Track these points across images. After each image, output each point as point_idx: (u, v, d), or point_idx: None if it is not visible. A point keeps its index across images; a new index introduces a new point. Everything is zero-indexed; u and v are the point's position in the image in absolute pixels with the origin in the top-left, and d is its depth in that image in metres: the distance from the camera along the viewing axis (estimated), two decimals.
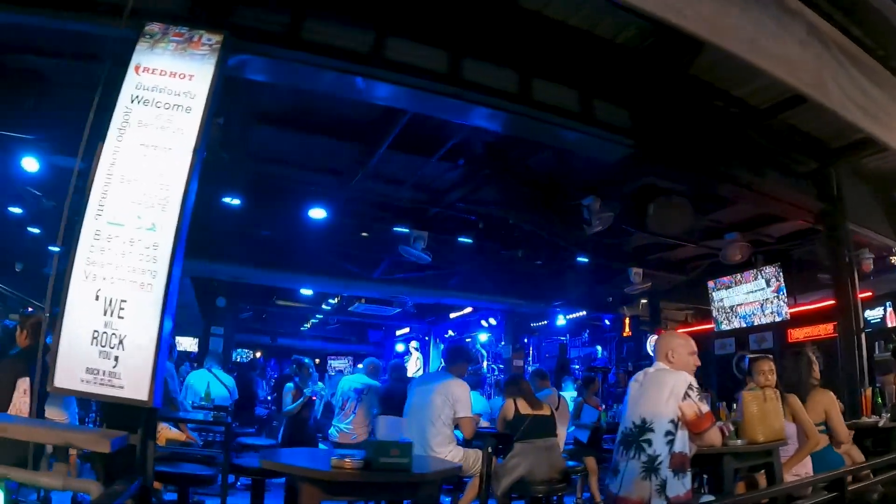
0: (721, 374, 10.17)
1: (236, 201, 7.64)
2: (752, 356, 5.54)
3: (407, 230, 8.48)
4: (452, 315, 16.36)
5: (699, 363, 3.85)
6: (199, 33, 3.78)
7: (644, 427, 3.65)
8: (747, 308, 9.46)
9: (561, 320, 13.36)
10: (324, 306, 15.16)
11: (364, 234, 9.04)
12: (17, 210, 8.52)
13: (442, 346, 17.30)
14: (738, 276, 9.53)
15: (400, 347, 19.15)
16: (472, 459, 5.50)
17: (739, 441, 4.52)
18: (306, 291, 14.15)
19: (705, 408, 3.69)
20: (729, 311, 9.76)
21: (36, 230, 9.02)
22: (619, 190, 6.95)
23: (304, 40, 4.38)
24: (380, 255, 10.43)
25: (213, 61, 3.76)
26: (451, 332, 17.50)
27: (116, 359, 3.22)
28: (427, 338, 18.38)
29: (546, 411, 5.71)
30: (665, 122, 5.65)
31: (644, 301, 11.49)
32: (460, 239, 9.18)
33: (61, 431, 3.20)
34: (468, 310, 15.33)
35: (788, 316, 9.07)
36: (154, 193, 3.45)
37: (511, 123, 5.43)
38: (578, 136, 5.43)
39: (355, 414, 7.41)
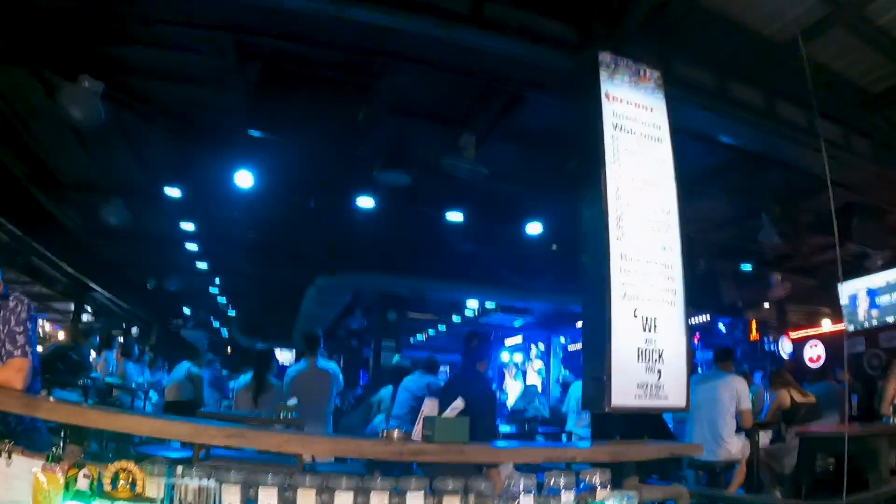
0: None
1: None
2: None
3: None
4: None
5: None
6: (642, 67, 4.06)
7: None
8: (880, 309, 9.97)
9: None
10: (454, 317, 15.35)
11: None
12: None
13: (561, 353, 17.73)
14: (872, 276, 10.01)
15: (517, 357, 19.12)
16: (741, 446, 5.93)
17: None
18: (472, 303, 14.36)
19: None
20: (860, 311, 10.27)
21: None
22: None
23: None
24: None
25: (661, 95, 4.04)
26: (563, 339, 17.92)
27: (659, 372, 3.47)
28: (536, 345, 18.66)
29: (812, 399, 6.17)
30: None
31: (766, 305, 12.01)
32: None
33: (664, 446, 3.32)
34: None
35: None
36: (656, 217, 3.72)
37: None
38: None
39: None
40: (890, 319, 9.81)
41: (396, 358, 10.46)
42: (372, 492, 2.25)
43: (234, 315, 18.06)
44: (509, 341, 19.86)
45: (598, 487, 2.68)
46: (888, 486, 4.70)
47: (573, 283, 11.71)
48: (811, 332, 12.24)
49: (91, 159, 8.00)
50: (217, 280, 14.27)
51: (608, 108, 3.79)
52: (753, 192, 7.64)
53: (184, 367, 7.93)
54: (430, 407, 3.79)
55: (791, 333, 12.27)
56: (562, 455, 2.71)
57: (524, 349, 19.01)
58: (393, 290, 12.07)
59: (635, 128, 3.85)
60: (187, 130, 6.91)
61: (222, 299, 16.06)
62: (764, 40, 5.17)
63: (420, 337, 19.47)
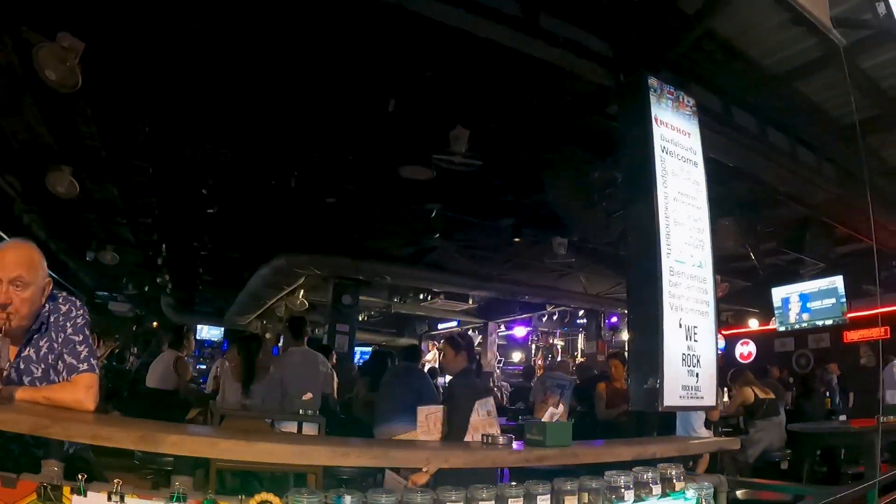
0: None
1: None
2: None
3: None
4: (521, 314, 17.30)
5: None
6: (681, 94, 4.42)
7: None
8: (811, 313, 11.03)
9: None
10: (395, 300, 15.46)
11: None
12: None
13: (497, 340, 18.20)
14: (805, 282, 11.04)
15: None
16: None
17: None
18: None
19: None
20: (791, 313, 11.30)
21: None
22: None
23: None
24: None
25: (696, 122, 4.42)
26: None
27: (697, 375, 3.87)
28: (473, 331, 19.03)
29: (772, 395, 6.85)
30: None
31: None
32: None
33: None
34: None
35: (846, 320, 10.72)
36: (693, 235, 4.10)
37: None
38: None
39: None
40: (819, 323, 10.83)
41: (375, 347, 10.56)
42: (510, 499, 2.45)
43: (168, 291, 17.50)
44: (443, 326, 20.31)
45: (674, 479, 3.03)
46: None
47: (527, 273, 12.27)
48: (741, 330, 13.26)
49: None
50: (162, 253, 13.81)
51: (657, 132, 4.12)
52: (720, 199, 8.29)
53: (172, 356, 7.68)
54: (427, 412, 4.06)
55: (722, 331, 13.27)
56: (644, 452, 3.00)
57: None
58: (353, 275, 12.11)
59: (677, 151, 4.21)
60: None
61: (163, 273, 15.52)
62: (761, 70, 5.66)
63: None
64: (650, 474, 2.94)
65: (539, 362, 17.60)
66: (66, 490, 1.81)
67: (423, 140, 6.24)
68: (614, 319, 16.27)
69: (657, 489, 2.93)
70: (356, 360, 14.07)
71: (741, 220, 7.87)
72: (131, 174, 8.69)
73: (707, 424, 6.47)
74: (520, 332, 20.14)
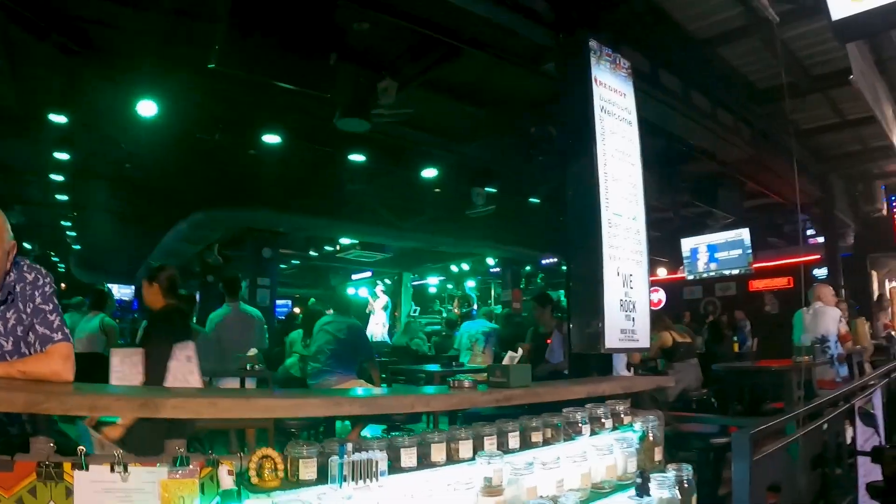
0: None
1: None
2: None
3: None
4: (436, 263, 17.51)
5: None
6: (618, 56, 4.64)
7: (825, 339, 5.80)
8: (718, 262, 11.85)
9: None
10: (312, 252, 15.30)
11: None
12: None
13: (411, 290, 18.32)
14: (713, 234, 11.81)
15: (363, 292, 19.29)
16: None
17: None
18: (346, 241, 14.55)
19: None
20: (700, 263, 12.10)
21: None
22: None
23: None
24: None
25: (631, 83, 4.68)
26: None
27: (633, 319, 4.21)
28: (387, 281, 19.09)
29: (689, 339, 7.42)
30: None
31: None
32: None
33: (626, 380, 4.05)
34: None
35: (752, 270, 11.60)
36: (629, 190, 4.39)
37: None
38: None
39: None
40: (726, 272, 11.66)
41: (312, 300, 10.59)
42: (485, 437, 2.66)
43: (77, 249, 16.68)
44: (357, 277, 20.36)
45: (622, 414, 3.35)
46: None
47: (446, 224, 12.47)
48: (651, 278, 14.03)
49: None
50: (71, 213, 13.14)
51: (597, 92, 4.34)
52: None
53: (97, 318, 7.40)
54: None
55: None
56: (596, 389, 3.29)
57: (370, 284, 19.66)
58: (273, 228, 11.99)
59: (614, 111, 4.46)
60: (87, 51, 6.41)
61: (72, 233, 14.76)
62: (688, 34, 5.99)
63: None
64: (602, 410, 3.25)
65: (456, 311, 18.04)
66: (67, 466, 1.77)
67: (360, 92, 6.23)
68: (528, 268, 16.90)
69: (609, 423, 3.24)
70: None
71: (658, 173, 8.33)
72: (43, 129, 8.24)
73: (628, 367, 6.97)
74: (435, 281, 20.51)
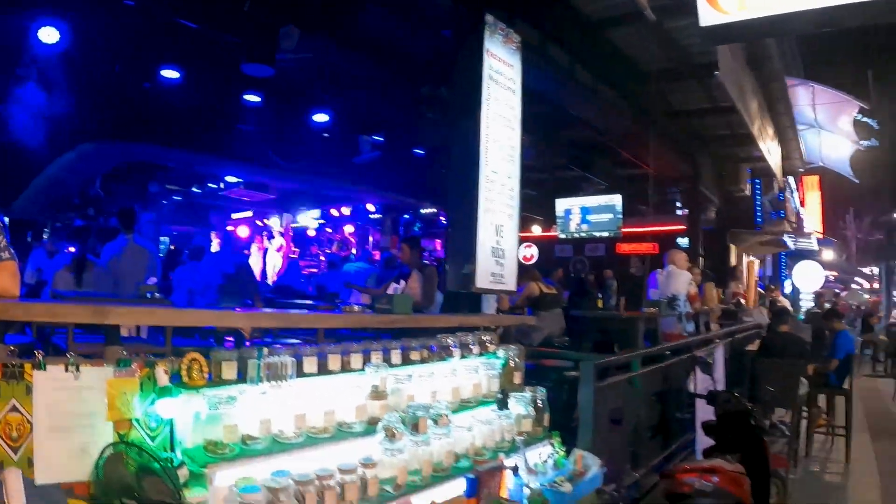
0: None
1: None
2: None
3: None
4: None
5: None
6: (510, 31, 5.15)
7: (675, 297, 6.67)
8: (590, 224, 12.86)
9: None
10: (195, 189, 14.95)
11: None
12: None
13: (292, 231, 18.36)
14: (587, 197, 12.80)
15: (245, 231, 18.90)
16: None
17: None
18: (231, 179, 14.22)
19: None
20: (572, 223, 13.08)
21: None
22: None
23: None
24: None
25: (519, 56, 5.21)
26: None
27: (503, 265, 4.84)
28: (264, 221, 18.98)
29: (555, 291, 8.25)
30: None
31: None
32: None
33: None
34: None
35: (621, 234, 12.67)
36: (507, 152, 4.97)
37: None
38: None
39: None
40: (597, 234, 12.68)
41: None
42: (373, 352, 3.15)
43: None
44: (238, 216, 20.11)
45: (488, 343, 3.97)
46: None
47: (331, 169, 12.69)
48: (525, 234, 14.98)
49: None
50: None
51: (487, 62, 4.85)
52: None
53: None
54: None
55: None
56: (467, 321, 3.86)
57: (252, 223, 19.57)
58: (162, 162, 11.76)
59: (501, 80, 4.99)
60: None
61: None
62: (579, 15, 6.58)
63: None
64: (471, 337, 3.84)
65: (337, 252, 18.35)
66: (28, 367, 2.01)
67: (265, 37, 6.40)
68: (407, 216, 17.55)
69: (476, 349, 3.84)
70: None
71: (539, 138, 9.05)
72: None
73: (497, 312, 7.71)
74: (314, 223, 20.65)
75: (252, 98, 9.30)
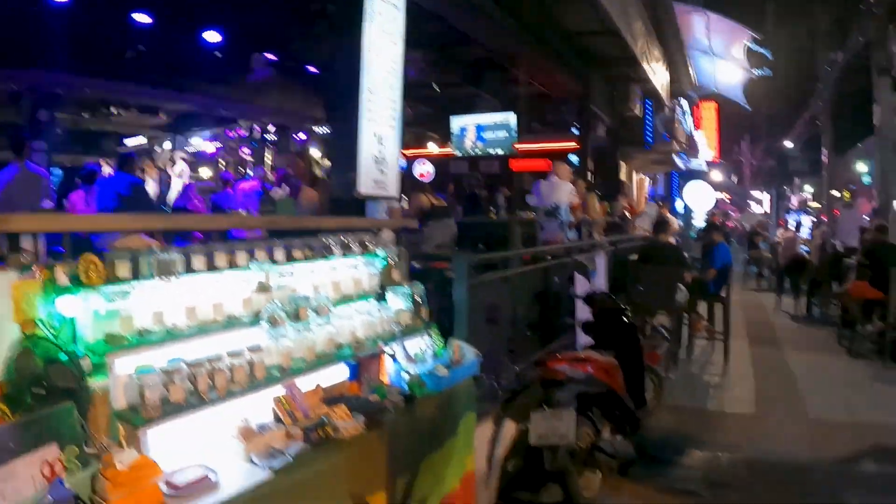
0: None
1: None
2: None
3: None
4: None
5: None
6: None
7: (557, 207, 7.25)
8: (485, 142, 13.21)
9: None
10: (84, 114, 14.10)
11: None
12: None
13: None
14: (482, 114, 13.08)
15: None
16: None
17: None
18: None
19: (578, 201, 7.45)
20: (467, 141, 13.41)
21: None
22: None
23: None
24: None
25: None
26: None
27: (385, 173, 5.15)
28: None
29: (444, 204, 8.69)
30: None
31: None
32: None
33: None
34: None
35: (516, 151, 13.10)
36: (390, 66, 5.18)
37: None
38: None
39: None
40: (492, 151, 13.07)
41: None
42: (257, 250, 3.42)
43: None
44: (130, 142, 19.37)
45: (369, 244, 4.31)
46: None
47: (224, 87, 12.48)
48: (421, 151, 15.25)
49: None
50: None
51: None
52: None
53: None
54: None
55: (404, 152, 15.15)
56: (348, 223, 4.18)
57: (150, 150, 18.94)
58: (52, 89, 11.17)
59: None
60: None
61: None
62: None
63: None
64: (352, 237, 4.16)
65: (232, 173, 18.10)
66: None
67: None
68: (302, 136, 17.46)
69: (357, 249, 4.17)
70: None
71: (432, 54, 9.22)
72: None
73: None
74: (209, 147, 20.19)
75: (142, 18, 8.95)
